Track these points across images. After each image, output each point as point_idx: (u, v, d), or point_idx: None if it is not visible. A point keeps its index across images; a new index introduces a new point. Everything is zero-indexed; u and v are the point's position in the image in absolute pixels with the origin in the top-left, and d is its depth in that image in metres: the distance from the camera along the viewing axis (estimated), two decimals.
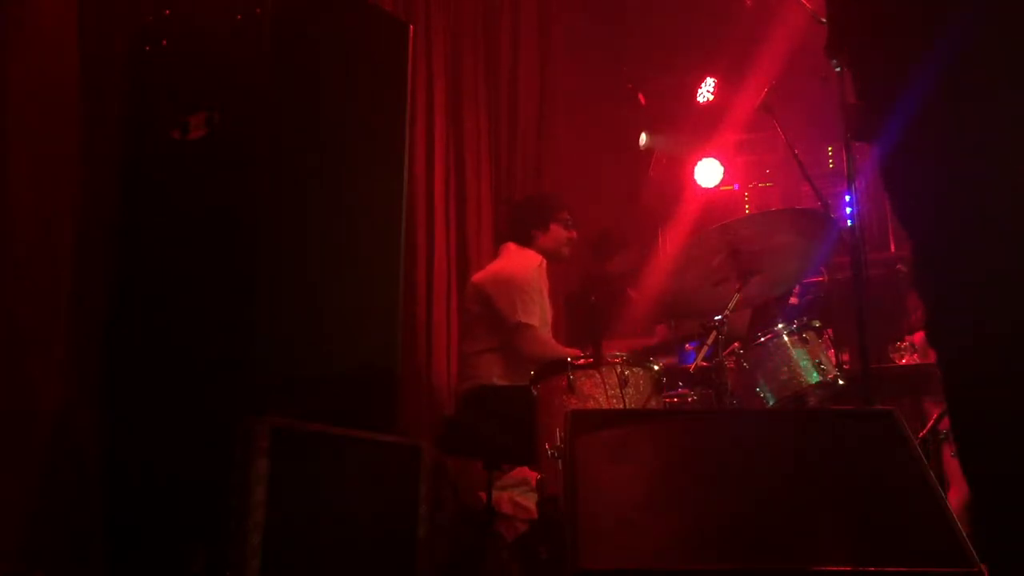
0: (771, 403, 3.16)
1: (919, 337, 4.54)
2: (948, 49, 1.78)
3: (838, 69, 2.97)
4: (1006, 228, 1.77)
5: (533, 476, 3.47)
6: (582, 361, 3.02)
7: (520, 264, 4.08)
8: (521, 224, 4.25)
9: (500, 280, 4.01)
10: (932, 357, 2.10)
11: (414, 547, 2.73)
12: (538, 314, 3.95)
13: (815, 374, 3.18)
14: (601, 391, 2.95)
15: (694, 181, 6.35)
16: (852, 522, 1.90)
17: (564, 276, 5.57)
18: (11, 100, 2.81)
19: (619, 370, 2.97)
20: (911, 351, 4.22)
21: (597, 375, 2.97)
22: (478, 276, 4.16)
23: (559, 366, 3.04)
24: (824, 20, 2.18)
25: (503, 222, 4.72)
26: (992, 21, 1.78)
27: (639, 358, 3.12)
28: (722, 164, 6.34)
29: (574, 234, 4.29)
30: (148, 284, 2.94)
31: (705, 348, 3.36)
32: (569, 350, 3.76)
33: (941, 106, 1.80)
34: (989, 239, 1.78)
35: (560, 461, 2.59)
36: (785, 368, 3.20)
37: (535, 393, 3.12)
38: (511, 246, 4.23)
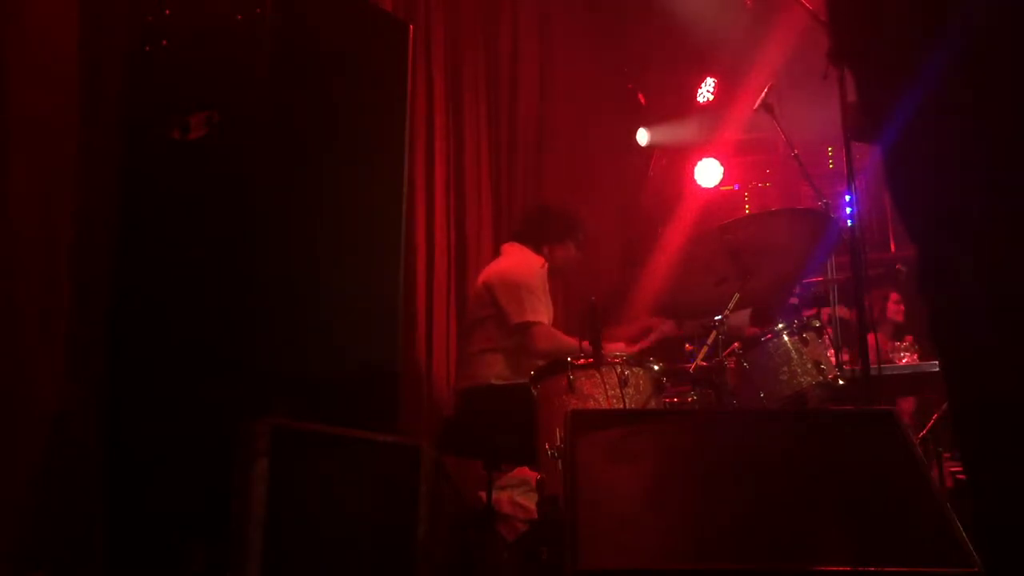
0: (771, 403, 3.16)
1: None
2: (950, 51, 1.78)
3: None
4: (1005, 228, 1.78)
5: (533, 476, 3.47)
6: (582, 361, 3.02)
7: (525, 264, 4.09)
8: (540, 230, 4.25)
9: (507, 281, 4.01)
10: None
11: (414, 547, 2.73)
12: (544, 311, 3.96)
13: (815, 374, 3.18)
14: (601, 391, 2.95)
15: (694, 181, 6.36)
16: (852, 522, 1.90)
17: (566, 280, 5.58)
18: (11, 100, 2.81)
19: (619, 370, 2.97)
20: (911, 351, 4.22)
21: (597, 375, 2.97)
22: (485, 276, 4.14)
23: (559, 366, 3.05)
24: (824, 21, 2.18)
25: (519, 220, 4.69)
26: (995, 23, 1.78)
27: (639, 358, 3.12)
28: (722, 164, 6.34)
29: (580, 256, 4.33)
30: (148, 283, 2.94)
31: (705, 348, 3.36)
32: (574, 340, 3.77)
33: (942, 108, 1.80)
34: (989, 239, 1.78)
35: (560, 461, 2.59)
36: (785, 368, 3.20)
37: (535, 393, 3.12)
38: (514, 246, 4.23)
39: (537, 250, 4.18)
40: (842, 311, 4.24)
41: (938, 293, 1.88)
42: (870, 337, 3.80)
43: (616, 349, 3.64)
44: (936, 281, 1.88)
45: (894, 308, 5.49)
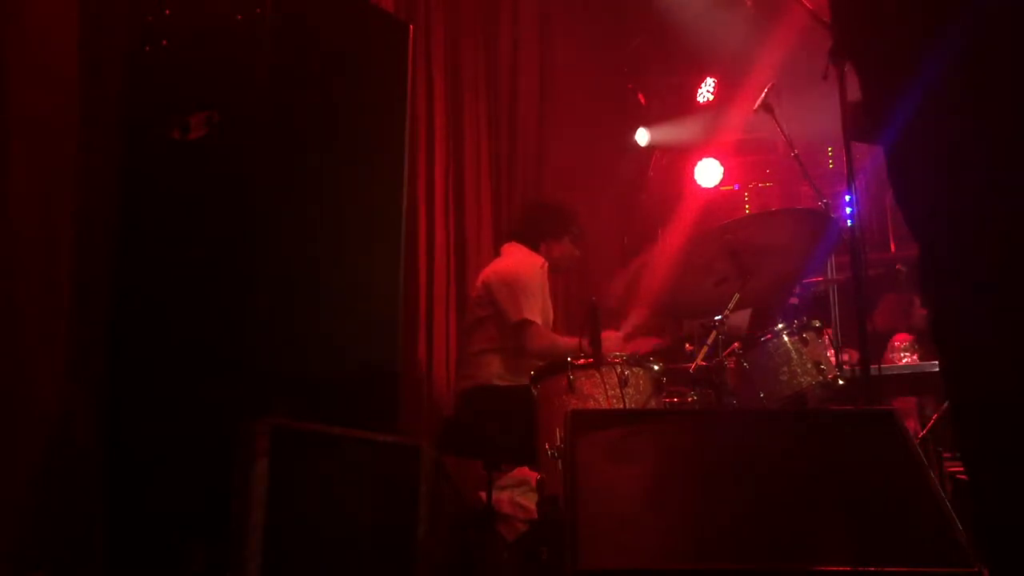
0: (771, 403, 3.16)
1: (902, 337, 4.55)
2: (950, 51, 1.78)
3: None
4: (1005, 228, 1.78)
5: (533, 476, 3.47)
6: (582, 361, 3.02)
7: (524, 263, 4.09)
8: (536, 227, 4.25)
9: (505, 280, 4.01)
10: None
11: (413, 547, 2.73)
12: (539, 311, 3.96)
13: (815, 374, 3.18)
14: (601, 391, 2.95)
15: (694, 181, 6.36)
16: (852, 522, 1.90)
17: (564, 279, 5.59)
18: (11, 100, 2.81)
19: (619, 370, 2.97)
20: (911, 351, 4.22)
21: (597, 375, 2.98)
22: (485, 276, 4.14)
23: (559, 366, 3.04)
24: (825, 20, 2.19)
25: (515, 220, 4.67)
26: (995, 23, 1.78)
27: (639, 358, 3.12)
28: (722, 164, 6.34)
29: (578, 252, 4.33)
30: (149, 284, 2.94)
31: (705, 348, 3.36)
32: (570, 340, 3.78)
33: (942, 108, 1.80)
34: (989, 239, 1.78)
35: (560, 461, 2.59)
36: (785, 368, 3.20)
37: (535, 393, 3.12)
38: (514, 245, 4.24)
39: (535, 248, 4.18)
40: (849, 353, 4.22)
41: (939, 293, 1.88)
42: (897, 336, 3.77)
43: (611, 339, 3.63)
44: (936, 281, 1.88)
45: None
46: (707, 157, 6.34)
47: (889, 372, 3.75)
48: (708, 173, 6.33)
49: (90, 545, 2.81)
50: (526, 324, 3.88)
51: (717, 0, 5.94)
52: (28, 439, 2.77)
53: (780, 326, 3.27)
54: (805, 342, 3.23)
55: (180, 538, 2.63)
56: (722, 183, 6.41)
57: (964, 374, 1.83)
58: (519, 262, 4.11)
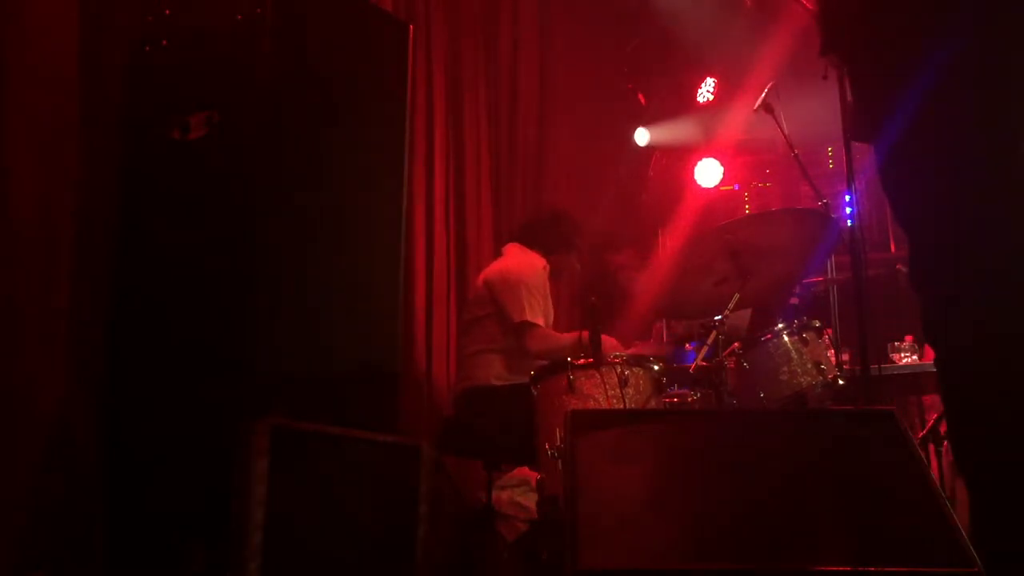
0: (771, 403, 3.16)
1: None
2: (943, 54, 1.79)
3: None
4: (1002, 229, 1.78)
5: (533, 476, 3.47)
6: (582, 361, 3.02)
7: (526, 264, 4.09)
8: (548, 236, 4.22)
9: (507, 279, 4.00)
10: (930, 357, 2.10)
11: (414, 547, 2.73)
12: (541, 312, 3.96)
13: (815, 374, 3.18)
14: (601, 391, 2.95)
15: (694, 181, 6.35)
16: (852, 522, 1.90)
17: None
18: (11, 100, 2.81)
19: (619, 370, 2.97)
20: (911, 351, 4.22)
21: (597, 375, 2.98)
22: (486, 275, 4.13)
23: (559, 366, 3.05)
24: (816, 16, 2.19)
25: (526, 223, 4.63)
26: (987, 25, 1.78)
27: (639, 358, 3.12)
28: (722, 164, 6.34)
29: (579, 267, 4.36)
30: (148, 284, 2.94)
31: (705, 348, 3.36)
32: (571, 336, 3.78)
33: (936, 109, 1.80)
34: (985, 240, 1.78)
35: (560, 461, 2.59)
36: (785, 368, 3.20)
37: (535, 393, 3.12)
38: (516, 246, 4.23)
39: (546, 254, 4.17)
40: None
41: (937, 292, 1.88)
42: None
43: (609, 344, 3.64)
44: (933, 280, 1.89)
45: None
46: (707, 157, 6.33)
47: (889, 372, 3.75)
48: (708, 173, 6.33)
49: (90, 545, 2.81)
50: (527, 326, 3.88)
51: (717, 0, 5.94)
52: (28, 439, 2.77)
53: (780, 326, 3.27)
54: (805, 342, 3.23)
55: (180, 538, 2.63)
56: (722, 183, 6.40)
57: (960, 372, 1.83)
58: (521, 263, 4.10)
